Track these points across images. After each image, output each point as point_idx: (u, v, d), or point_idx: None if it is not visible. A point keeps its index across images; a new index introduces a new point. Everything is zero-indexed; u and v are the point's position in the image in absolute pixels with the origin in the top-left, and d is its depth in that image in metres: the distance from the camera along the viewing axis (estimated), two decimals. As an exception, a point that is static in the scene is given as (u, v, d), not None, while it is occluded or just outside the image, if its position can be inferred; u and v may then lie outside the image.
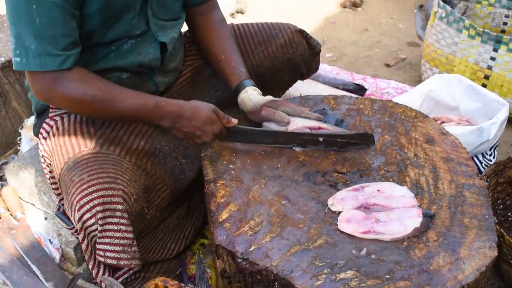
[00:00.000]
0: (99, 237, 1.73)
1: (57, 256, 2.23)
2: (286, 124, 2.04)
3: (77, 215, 1.71)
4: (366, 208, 1.75)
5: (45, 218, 2.37)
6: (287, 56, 2.42)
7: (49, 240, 2.28)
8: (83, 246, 1.78)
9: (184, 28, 2.25)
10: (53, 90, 1.80)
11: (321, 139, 1.98)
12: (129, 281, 2.06)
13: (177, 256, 2.25)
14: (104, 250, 1.74)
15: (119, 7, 1.87)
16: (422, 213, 1.71)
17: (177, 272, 2.19)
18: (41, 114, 2.10)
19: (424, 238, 1.65)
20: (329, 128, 2.01)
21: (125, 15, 1.91)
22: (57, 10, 1.71)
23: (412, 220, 1.69)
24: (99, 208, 1.69)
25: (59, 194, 2.02)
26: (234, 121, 1.96)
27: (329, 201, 1.78)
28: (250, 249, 1.62)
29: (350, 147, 1.99)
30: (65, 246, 2.25)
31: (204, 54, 2.30)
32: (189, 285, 1.65)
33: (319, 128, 2.00)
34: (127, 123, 2.01)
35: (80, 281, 2.10)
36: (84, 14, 1.82)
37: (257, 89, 2.11)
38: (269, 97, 2.06)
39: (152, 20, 2.01)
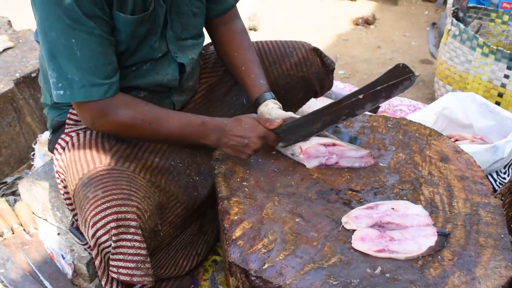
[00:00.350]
0: (113, 254, 1.72)
1: (69, 271, 2.23)
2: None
3: (91, 231, 1.70)
4: (380, 226, 1.74)
5: (58, 234, 2.37)
6: (301, 74, 2.43)
7: (62, 255, 2.28)
8: (97, 262, 1.77)
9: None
10: (103, 118, 1.85)
11: (360, 96, 1.89)
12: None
13: (189, 273, 2.24)
14: (118, 267, 1.73)
15: (143, 33, 1.90)
16: (437, 232, 1.69)
17: (189, 289, 2.19)
18: (57, 130, 2.11)
19: (439, 257, 1.64)
20: (343, 145, 2.00)
21: (147, 40, 1.93)
22: (95, 41, 1.75)
23: (426, 239, 1.68)
24: (113, 224, 1.69)
25: (73, 210, 2.02)
26: (277, 121, 1.97)
27: (343, 219, 1.77)
28: (263, 267, 1.61)
29: (395, 91, 1.88)
30: (77, 262, 2.25)
31: (225, 64, 2.32)
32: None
33: (334, 145, 1.99)
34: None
35: (91, 297, 2.10)
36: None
37: (277, 102, 2.11)
38: (289, 113, 2.06)
39: (173, 41, 2.03)
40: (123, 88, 1.94)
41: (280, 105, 2.11)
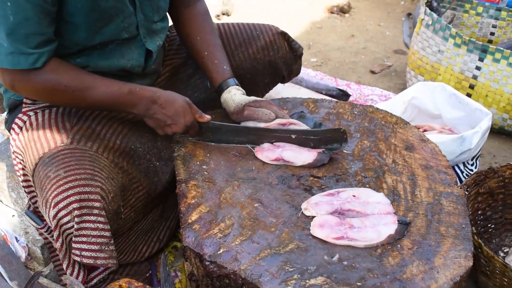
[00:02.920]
0: (76, 236, 1.67)
1: (23, 254, 2.17)
2: (270, 121, 2.00)
3: (52, 212, 1.65)
4: (340, 213, 1.70)
5: (13, 216, 2.30)
6: (267, 59, 2.39)
7: (16, 238, 2.21)
8: (58, 244, 1.72)
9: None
10: (24, 83, 1.78)
11: (293, 136, 1.95)
12: (97, 283, 2.00)
13: (148, 259, 2.19)
14: (81, 249, 1.69)
15: (107, 9, 1.84)
16: (398, 221, 1.66)
17: (147, 274, 2.13)
18: (14, 109, 2.05)
19: (399, 245, 1.60)
20: (300, 124, 2.00)
21: (114, 18, 1.88)
22: (31, 8, 1.68)
23: (387, 227, 1.64)
24: (75, 205, 1.64)
25: (30, 192, 1.96)
26: (207, 117, 1.95)
27: (303, 205, 1.73)
28: (218, 252, 1.57)
29: (323, 145, 1.96)
30: (31, 245, 2.19)
31: (187, 49, 2.27)
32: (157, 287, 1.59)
33: (290, 123, 1.99)
34: (103, 119, 1.98)
35: (45, 281, 2.04)
36: (67, 11, 1.78)
37: (240, 88, 2.08)
38: (252, 98, 2.04)
39: (144, 24, 1.98)
40: (85, 67, 1.89)
41: (243, 91, 2.08)
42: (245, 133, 1.98)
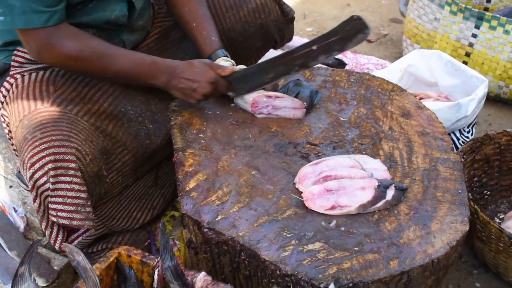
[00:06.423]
0: (52, 196, 1.68)
1: (21, 225, 2.17)
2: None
3: (29, 173, 1.67)
4: (325, 180, 1.68)
5: (10, 186, 2.30)
6: (259, 22, 2.37)
7: (14, 208, 2.22)
8: (35, 205, 1.73)
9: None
10: (48, 48, 1.79)
11: (314, 47, 1.82)
12: (96, 251, 2.02)
13: (146, 227, 2.20)
14: (57, 210, 1.69)
15: None
16: (394, 186, 1.66)
17: (146, 243, 2.15)
18: (3, 73, 2.04)
19: (395, 211, 1.62)
20: (284, 97, 1.97)
21: None
22: None
23: (364, 192, 1.63)
24: (50, 165, 1.65)
25: (18, 155, 1.96)
26: (229, 69, 1.92)
27: (296, 180, 1.71)
28: (216, 219, 1.57)
29: (349, 43, 1.80)
30: (30, 215, 2.19)
31: (175, 18, 2.24)
32: (156, 256, 1.59)
33: (276, 97, 1.96)
34: (92, 81, 1.96)
35: (44, 251, 2.05)
36: None
37: (229, 59, 2.06)
38: (240, 66, 2.01)
39: None
40: (71, 25, 1.87)
41: (233, 62, 2.06)
42: (270, 68, 1.92)
